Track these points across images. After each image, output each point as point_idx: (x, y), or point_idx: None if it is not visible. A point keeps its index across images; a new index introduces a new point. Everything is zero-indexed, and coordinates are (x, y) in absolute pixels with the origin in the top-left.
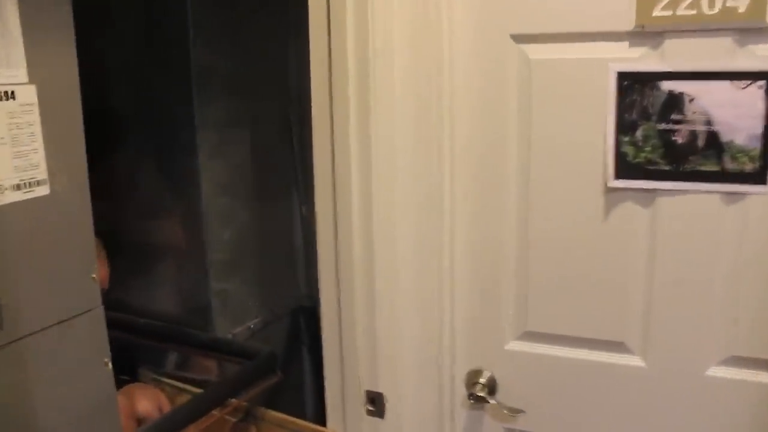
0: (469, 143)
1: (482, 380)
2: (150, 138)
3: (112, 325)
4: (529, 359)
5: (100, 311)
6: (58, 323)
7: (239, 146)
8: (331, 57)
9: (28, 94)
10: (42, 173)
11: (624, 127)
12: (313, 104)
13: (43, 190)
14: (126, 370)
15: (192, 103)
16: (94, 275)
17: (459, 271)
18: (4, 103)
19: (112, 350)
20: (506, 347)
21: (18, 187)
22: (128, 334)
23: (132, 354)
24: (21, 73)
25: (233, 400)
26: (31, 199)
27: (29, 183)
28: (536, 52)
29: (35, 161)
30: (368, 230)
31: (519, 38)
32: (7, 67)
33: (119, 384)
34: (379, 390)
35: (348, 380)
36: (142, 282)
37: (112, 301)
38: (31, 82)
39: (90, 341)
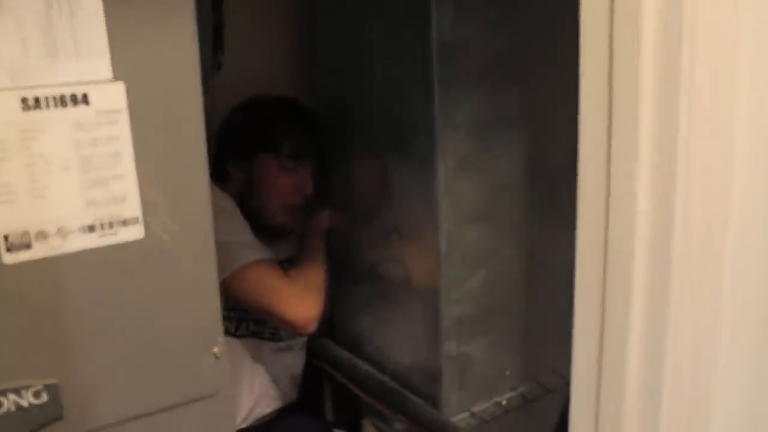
0: None
1: None
2: (373, 141)
3: (337, 365)
4: None
5: (224, 398)
6: (151, 414)
7: (504, 156)
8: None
9: (111, 95)
10: (131, 209)
11: None
12: (581, 90)
13: (133, 233)
14: (350, 418)
15: (431, 97)
16: (216, 350)
17: None
18: (69, 110)
19: (336, 393)
20: None
21: (91, 229)
22: (353, 381)
23: (358, 402)
24: (99, 66)
25: None
26: (114, 245)
27: (110, 223)
28: None
29: (120, 192)
30: (660, 294)
31: None
32: (75, 58)
33: None
34: None
35: None
36: (372, 319)
37: (341, 333)
38: (116, 78)
39: None
